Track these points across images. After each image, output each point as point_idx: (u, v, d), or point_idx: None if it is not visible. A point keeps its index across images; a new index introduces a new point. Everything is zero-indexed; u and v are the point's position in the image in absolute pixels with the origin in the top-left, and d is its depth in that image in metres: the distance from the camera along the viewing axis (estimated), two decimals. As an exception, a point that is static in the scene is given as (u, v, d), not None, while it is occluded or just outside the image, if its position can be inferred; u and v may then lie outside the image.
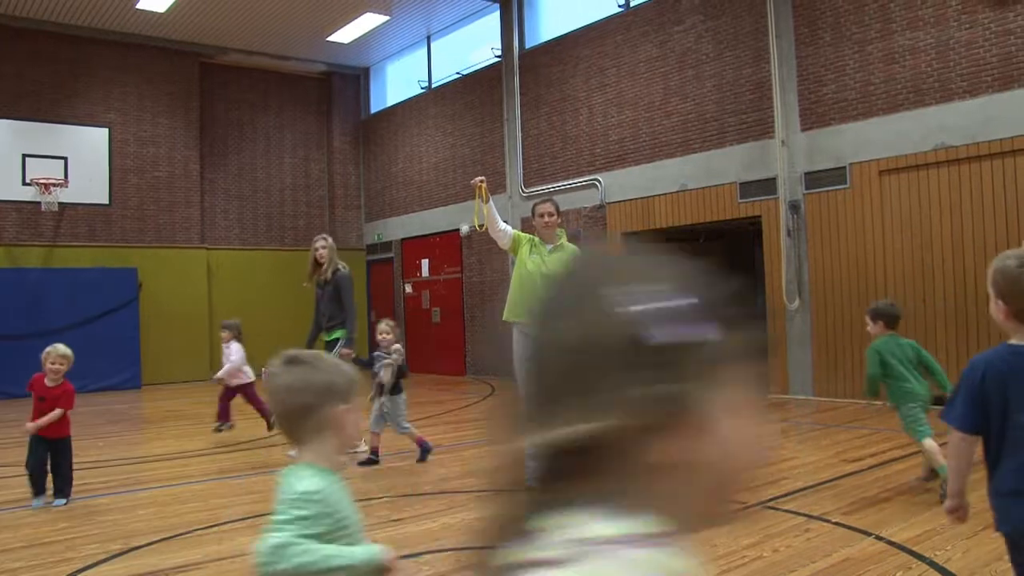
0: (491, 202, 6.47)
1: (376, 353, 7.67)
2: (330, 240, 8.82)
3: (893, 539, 4.62)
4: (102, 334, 15.57)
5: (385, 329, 7.76)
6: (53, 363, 6.16)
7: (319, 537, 2.06)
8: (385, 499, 6.20)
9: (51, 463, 6.22)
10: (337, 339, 8.27)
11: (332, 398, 2.14)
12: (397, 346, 7.63)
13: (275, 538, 2.02)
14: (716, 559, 4.41)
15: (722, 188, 12.10)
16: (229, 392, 9.33)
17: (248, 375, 9.25)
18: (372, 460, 7.56)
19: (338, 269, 8.48)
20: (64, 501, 6.24)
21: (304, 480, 2.10)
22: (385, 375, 7.46)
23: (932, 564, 4.18)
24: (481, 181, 6.39)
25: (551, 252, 6.48)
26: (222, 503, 6.20)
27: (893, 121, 10.22)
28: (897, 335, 5.89)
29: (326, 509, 2.08)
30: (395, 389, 7.50)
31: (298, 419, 2.16)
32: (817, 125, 11.03)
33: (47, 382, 6.17)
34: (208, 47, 17.83)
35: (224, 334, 9.54)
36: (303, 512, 2.05)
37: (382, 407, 7.50)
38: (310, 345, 8.14)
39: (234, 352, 9.23)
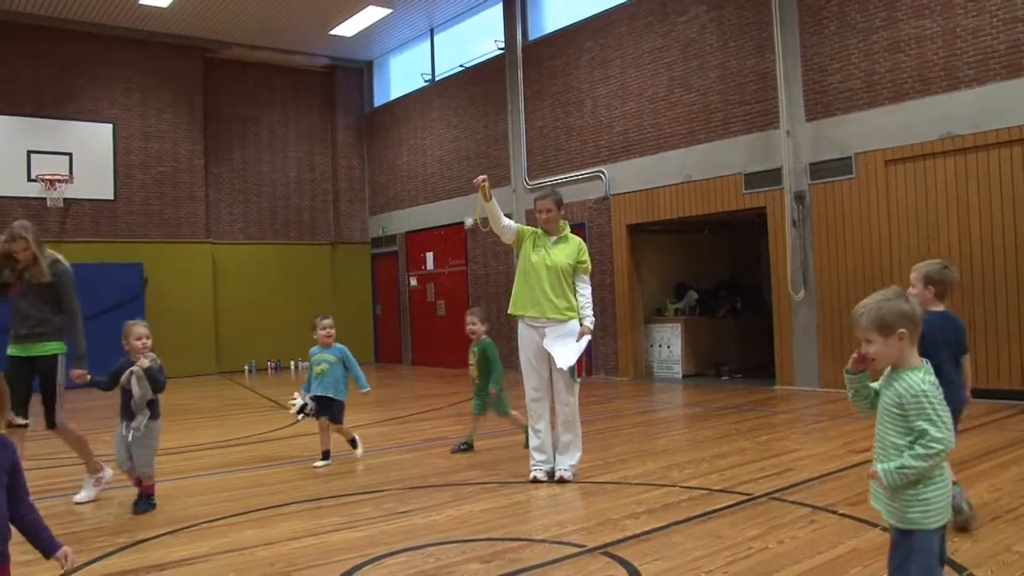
0: (493, 199, 6.43)
1: (124, 360, 5.81)
2: (31, 231, 6.33)
3: (900, 530, 4.59)
4: (108, 329, 15.46)
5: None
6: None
7: None
8: (391, 492, 6.19)
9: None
10: (53, 355, 6.25)
11: None
12: (150, 352, 5.84)
13: None
14: (722, 550, 4.40)
15: (727, 179, 12.06)
16: None
17: None
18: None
19: (58, 261, 6.36)
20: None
21: None
22: (136, 388, 5.70)
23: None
24: (484, 180, 6.36)
25: (555, 244, 6.46)
26: (228, 496, 6.19)
27: (899, 110, 10.17)
28: None
29: None
30: (151, 409, 5.81)
31: None
32: (822, 115, 10.98)
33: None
34: (212, 42, 17.83)
35: None
36: None
37: (130, 435, 5.75)
38: None
39: None
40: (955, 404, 4.65)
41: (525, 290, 6.45)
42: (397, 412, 10.86)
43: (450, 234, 17.58)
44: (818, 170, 11.04)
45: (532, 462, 6.44)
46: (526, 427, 7.08)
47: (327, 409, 7.35)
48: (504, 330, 15.59)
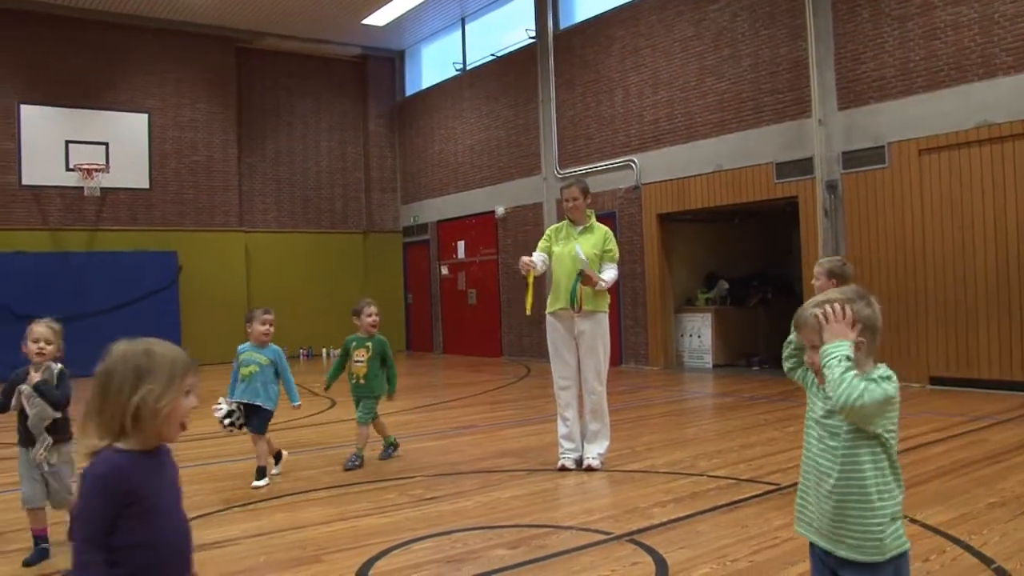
0: (535, 266, 6.44)
1: (19, 371, 4.62)
2: None
3: (928, 522, 4.58)
4: (143, 316, 15.79)
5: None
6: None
7: None
8: (420, 478, 6.25)
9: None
10: None
11: None
12: (51, 361, 4.60)
13: None
14: (747, 539, 4.41)
15: (758, 168, 11.98)
16: None
17: None
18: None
19: None
20: None
21: None
22: (28, 408, 4.54)
23: (967, 547, 4.14)
24: (530, 263, 6.38)
25: (580, 234, 6.48)
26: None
27: (934, 99, 10.04)
28: None
29: None
30: (56, 431, 4.57)
31: None
32: (855, 104, 10.86)
33: None
34: (245, 32, 17.96)
35: None
36: None
37: (44, 466, 4.54)
38: None
39: None
40: None
41: (554, 284, 6.50)
42: (427, 400, 10.93)
43: (481, 223, 17.62)
44: (851, 159, 10.93)
45: (560, 450, 6.48)
46: (389, 438, 7.12)
47: (252, 417, 6.29)
48: (527, 319, 15.65)
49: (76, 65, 16.32)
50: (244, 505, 5.61)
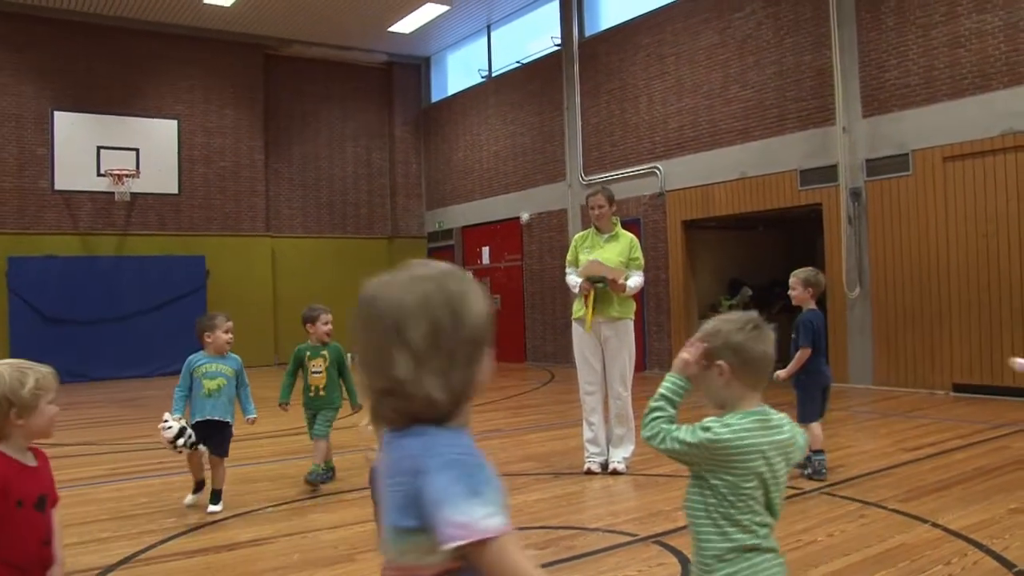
0: (577, 281, 6.59)
1: None
2: None
3: (950, 526, 4.65)
4: (171, 320, 16.02)
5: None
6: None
7: None
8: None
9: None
10: None
11: None
12: None
13: None
14: (771, 542, 4.49)
15: (782, 175, 12.04)
16: None
17: None
18: None
19: None
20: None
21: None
22: None
23: (989, 551, 4.21)
24: (587, 288, 6.44)
25: (606, 241, 6.59)
26: (292, 482, 6.42)
27: (958, 107, 10.07)
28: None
29: None
30: None
31: None
32: (879, 111, 10.90)
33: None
34: (272, 39, 18.19)
35: None
36: None
37: None
38: None
39: None
40: (826, 383, 6.30)
41: (578, 297, 6.61)
42: (452, 404, 11.02)
43: (506, 229, 17.75)
44: (875, 167, 10.97)
45: (586, 454, 6.58)
46: (329, 463, 6.50)
47: (214, 436, 5.64)
48: (551, 325, 15.72)
49: (107, 72, 16.61)
50: (277, 505, 5.75)
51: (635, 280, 6.49)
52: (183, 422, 5.51)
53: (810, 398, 6.19)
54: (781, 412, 2.34)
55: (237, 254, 17.76)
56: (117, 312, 15.98)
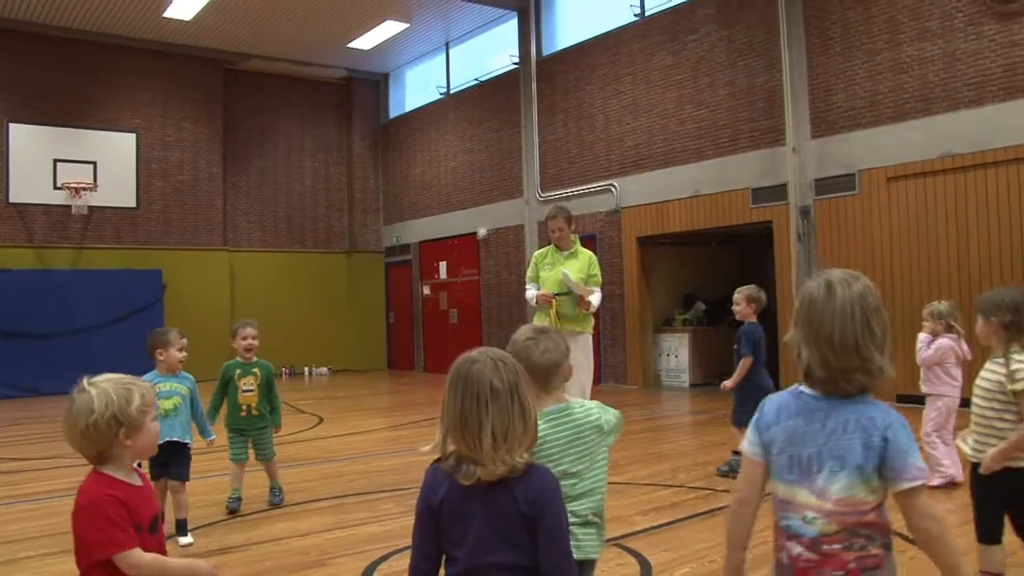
0: (536, 294, 6.84)
1: None
2: None
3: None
4: (128, 334, 15.90)
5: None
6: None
7: None
8: (414, 489, 6.52)
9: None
10: None
11: None
12: None
13: None
14: (723, 543, 4.71)
15: (735, 193, 12.40)
16: None
17: None
18: None
19: None
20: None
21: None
22: None
23: (926, 549, 4.48)
24: (548, 298, 6.69)
25: (566, 259, 6.83)
26: (258, 493, 6.52)
27: (901, 129, 10.50)
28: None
29: None
30: None
31: None
32: (827, 133, 11.32)
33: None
34: (232, 54, 18.24)
35: None
36: None
37: None
38: None
39: None
40: (765, 391, 6.20)
41: (543, 309, 6.82)
42: (413, 416, 11.20)
43: (463, 244, 17.95)
44: (823, 186, 11.37)
45: (546, 463, 6.77)
46: (276, 482, 6.26)
47: (175, 459, 5.20)
48: (508, 339, 15.91)
49: (64, 84, 16.54)
50: (245, 516, 5.87)
51: (595, 297, 6.74)
52: None
53: (747, 404, 6.55)
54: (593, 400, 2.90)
55: (194, 268, 17.73)
56: (72, 326, 15.86)
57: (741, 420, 6.46)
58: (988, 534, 3.52)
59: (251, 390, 6.04)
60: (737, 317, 7.00)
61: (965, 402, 6.20)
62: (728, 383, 6.70)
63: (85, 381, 2.34)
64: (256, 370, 6.09)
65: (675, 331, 14.22)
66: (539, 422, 2.53)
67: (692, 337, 13.98)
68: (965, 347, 6.09)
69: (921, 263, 10.35)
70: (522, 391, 2.10)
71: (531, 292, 6.89)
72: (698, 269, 15.09)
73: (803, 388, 2.09)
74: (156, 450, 2.52)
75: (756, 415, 2.19)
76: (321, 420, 10.96)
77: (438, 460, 2.14)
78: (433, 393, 14.89)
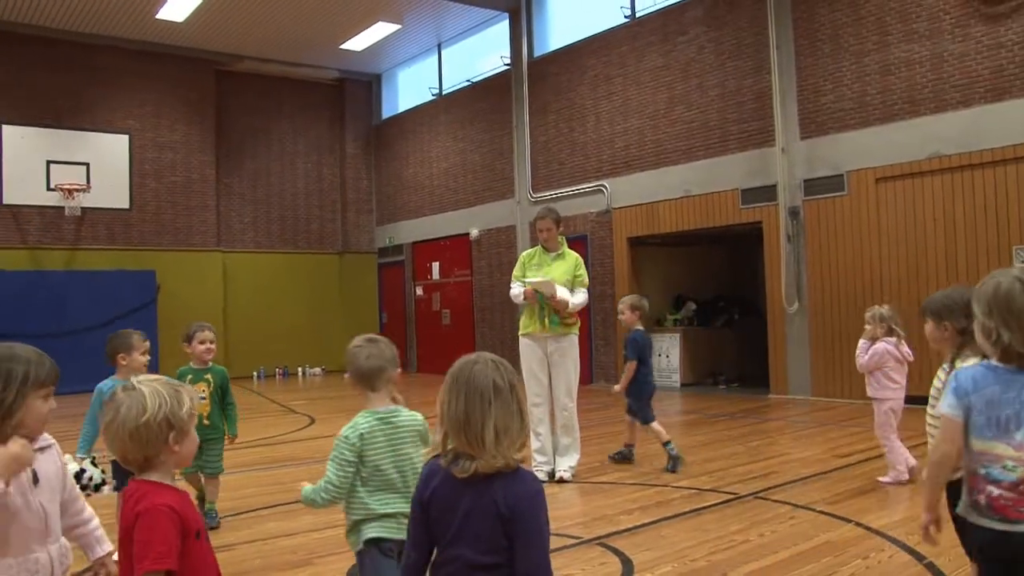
0: (523, 292, 6.84)
1: None
2: None
3: (871, 525, 5.00)
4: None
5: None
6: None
7: None
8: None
9: None
10: None
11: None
12: None
13: None
14: (706, 542, 4.80)
15: (724, 194, 12.47)
16: None
17: None
18: None
19: None
20: None
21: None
22: None
23: (904, 547, 4.56)
24: (532, 297, 6.73)
25: (553, 260, 6.89)
26: (249, 493, 6.59)
27: (889, 130, 10.58)
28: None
29: None
30: None
31: None
32: (816, 134, 11.39)
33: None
34: (224, 55, 18.27)
35: None
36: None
37: None
38: None
39: None
40: (651, 391, 7.41)
41: (528, 309, 6.88)
42: (404, 417, 11.23)
43: (456, 245, 18.00)
44: (812, 187, 11.45)
45: (534, 463, 6.84)
46: (211, 505, 5.73)
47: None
48: (500, 339, 15.98)
49: (58, 85, 16.56)
50: (236, 515, 5.92)
51: (580, 297, 6.81)
52: (86, 462, 4.92)
53: (644, 403, 7.23)
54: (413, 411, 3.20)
55: (188, 269, 17.77)
56: (65, 327, 15.87)
57: (647, 418, 7.24)
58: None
59: (204, 398, 5.67)
60: (624, 325, 7.61)
61: (911, 399, 6.42)
62: (617, 387, 7.40)
63: (134, 380, 2.22)
64: (209, 376, 5.73)
65: (666, 331, 14.28)
66: (368, 419, 3.10)
67: (683, 337, 14.04)
68: (906, 349, 6.23)
69: (909, 263, 10.43)
70: (518, 391, 2.21)
71: (516, 289, 6.95)
72: (689, 269, 15.16)
73: (996, 363, 2.52)
74: (190, 462, 2.53)
75: (953, 384, 2.58)
76: (313, 420, 11.01)
77: (436, 456, 2.23)
78: (426, 393, 14.91)
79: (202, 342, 5.69)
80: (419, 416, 3.19)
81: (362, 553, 3.11)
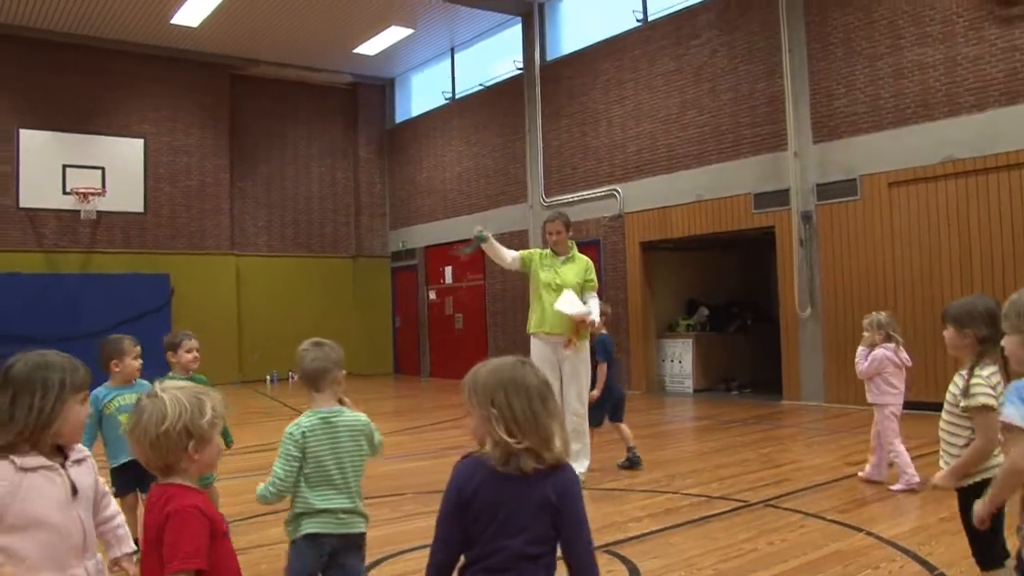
0: (491, 240, 6.94)
1: None
2: None
3: (882, 535, 4.95)
4: (135, 338, 16.03)
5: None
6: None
7: None
8: (410, 495, 6.59)
9: None
10: None
11: None
12: None
13: None
14: (714, 550, 4.77)
15: (737, 199, 12.42)
16: None
17: None
18: None
19: None
20: None
21: None
22: None
23: (915, 557, 4.52)
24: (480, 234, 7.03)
25: (563, 263, 6.87)
26: (250, 498, 6.56)
27: (902, 134, 10.52)
28: None
29: None
30: None
31: None
32: (829, 138, 11.33)
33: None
34: (238, 59, 18.35)
35: None
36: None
37: None
38: None
39: None
40: (620, 394, 7.63)
41: (539, 308, 6.87)
42: (416, 422, 11.25)
43: (468, 248, 17.96)
44: (824, 191, 11.39)
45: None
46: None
47: (144, 477, 4.25)
48: (513, 344, 15.96)
49: (74, 90, 16.68)
50: (243, 519, 5.93)
51: (596, 305, 6.81)
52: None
53: (597, 406, 7.23)
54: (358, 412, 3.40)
55: (202, 272, 17.84)
56: (80, 330, 15.93)
57: (595, 418, 7.27)
58: (987, 559, 3.39)
59: None
60: (594, 329, 7.57)
61: (909, 405, 6.45)
62: (595, 392, 7.23)
63: (157, 386, 2.25)
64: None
65: (679, 336, 14.24)
66: (311, 418, 3.28)
67: (696, 343, 13.99)
68: (904, 355, 6.30)
69: (923, 268, 10.36)
70: (552, 389, 2.31)
71: (513, 255, 7.13)
72: (701, 274, 15.12)
73: None
74: (216, 467, 2.58)
75: (1018, 396, 2.58)
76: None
77: (468, 455, 2.26)
78: (439, 398, 14.95)
79: (190, 351, 5.50)
80: (363, 417, 3.39)
81: (295, 543, 3.32)
